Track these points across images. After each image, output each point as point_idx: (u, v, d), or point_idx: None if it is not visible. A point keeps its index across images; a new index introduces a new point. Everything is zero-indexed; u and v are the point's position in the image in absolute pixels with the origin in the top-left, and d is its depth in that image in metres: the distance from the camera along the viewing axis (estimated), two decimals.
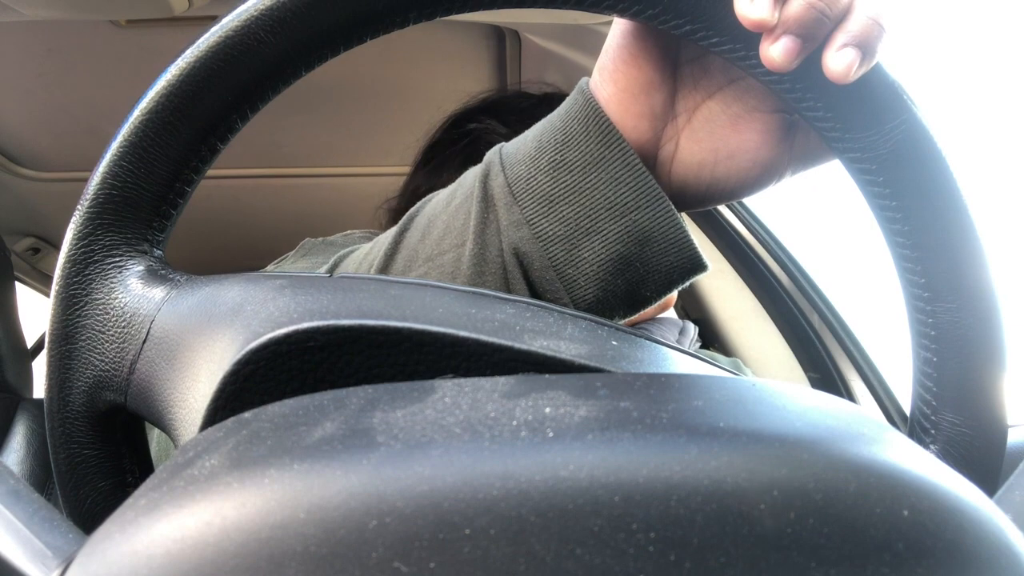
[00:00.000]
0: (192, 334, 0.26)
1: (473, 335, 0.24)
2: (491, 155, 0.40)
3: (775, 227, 1.20)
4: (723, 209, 1.23)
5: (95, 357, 0.28)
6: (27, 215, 1.42)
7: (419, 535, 0.14)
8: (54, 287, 0.29)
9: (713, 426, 0.17)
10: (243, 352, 0.23)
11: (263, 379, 0.24)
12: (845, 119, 0.28)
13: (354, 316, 0.24)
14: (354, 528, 0.14)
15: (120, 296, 0.28)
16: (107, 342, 0.28)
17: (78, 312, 0.29)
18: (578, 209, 0.36)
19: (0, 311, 1.09)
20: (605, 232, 0.36)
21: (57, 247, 1.62)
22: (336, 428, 0.17)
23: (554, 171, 0.36)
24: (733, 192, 0.37)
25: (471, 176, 0.40)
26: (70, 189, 1.30)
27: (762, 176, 0.37)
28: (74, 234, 0.29)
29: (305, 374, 0.24)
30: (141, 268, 0.29)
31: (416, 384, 0.20)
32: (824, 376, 1.08)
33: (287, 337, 0.23)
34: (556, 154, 0.36)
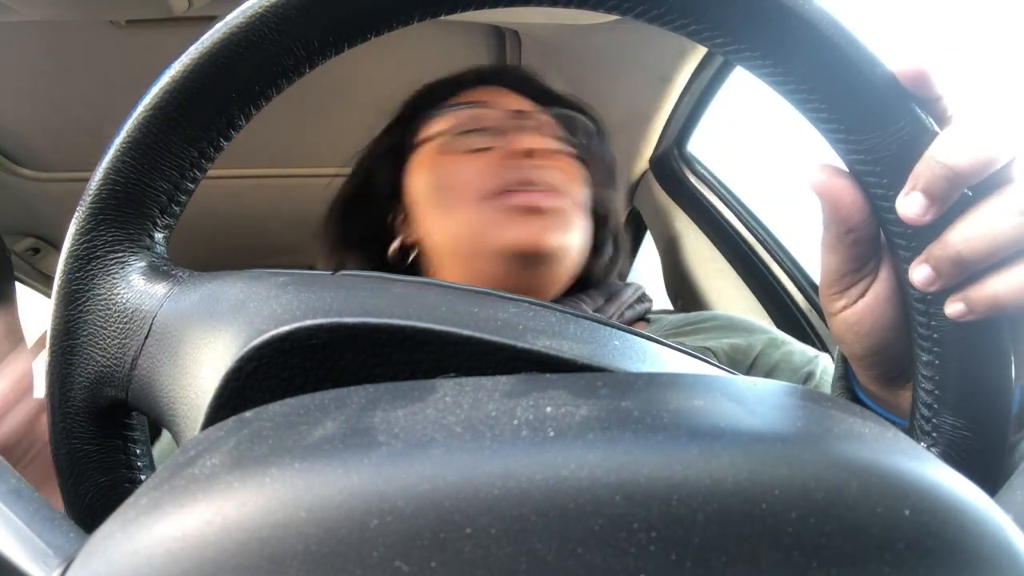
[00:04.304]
0: (194, 330, 0.26)
1: (476, 334, 0.24)
2: None
3: (775, 225, 1.20)
4: (723, 209, 1.23)
5: (97, 353, 0.28)
6: (27, 215, 1.42)
7: (420, 534, 0.14)
8: (56, 283, 0.29)
9: (714, 426, 0.17)
10: (246, 349, 0.23)
11: (265, 376, 0.24)
12: (849, 121, 0.28)
13: (357, 314, 0.24)
14: (355, 527, 0.14)
15: (122, 292, 0.28)
16: (109, 338, 0.28)
17: (80, 308, 0.29)
18: None
19: (0, 311, 1.09)
20: None
21: (57, 247, 1.62)
22: (337, 427, 0.17)
23: None
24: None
25: None
26: (70, 189, 1.30)
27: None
28: (76, 230, 0.29)
29: (307, 372, 0.24)
30: (143, 264, 0.29)
31: (417, 383, 0.20)
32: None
33: (290, 334, 0.23)
34: None
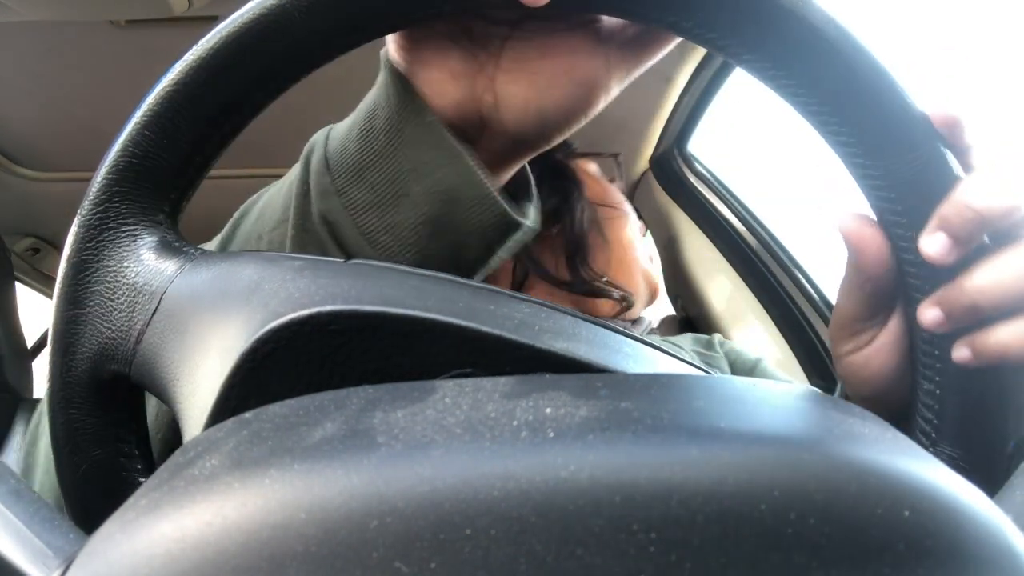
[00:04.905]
0: (205, 309, 0.26)
1: (494, 331, 0.24)
2: (318, 135, 0.40)
3: (776, 227, 1.20)
4: (723, 209, 1.23)
5: (102, 324, 0.28)
6: (27, 215, 1.42)
7: (420, 535, 0.14)
8: (66, 251, 0.29)
9: (714, 426, 0.17)
10: (263, 330, 0.23)
11: (281, 359, 0.23)
12: (868, 144, 0.28)
13: (376, 303, 0.24)
14: (355, 528, 0.14)
15: (132, 265, 0.28)
16: (116, 310, 0.28)
17: (88, 278, 0.28)
18: (384, 174, 0.36)
19: (0, 311, 1.09)
20: (412, 194, 0.36)
21: (57, 247, 1.62)
22: (337, 428, 0.17)
23: (363, 139, 0.37)
24: (568, 119, 0.37)
25: (301, 156, 0.41)
26: (70, 189, 1.30)
27: (587, 94, 0.36)
28: (91, 200, 0.28)
29: (324, 357, 0.24)
30: (155, 239, 0.29)
31: (417, 384, 0.20)
32: (828, 380, 1.08)
33: (309, 319, 0.23)
34: (366, 123, 0.37)
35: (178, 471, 0.17)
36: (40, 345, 1.56)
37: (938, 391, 0.30)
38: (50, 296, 0.31)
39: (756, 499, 0.15)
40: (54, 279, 0.30)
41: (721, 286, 1.21)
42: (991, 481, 0.30)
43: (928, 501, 0.16)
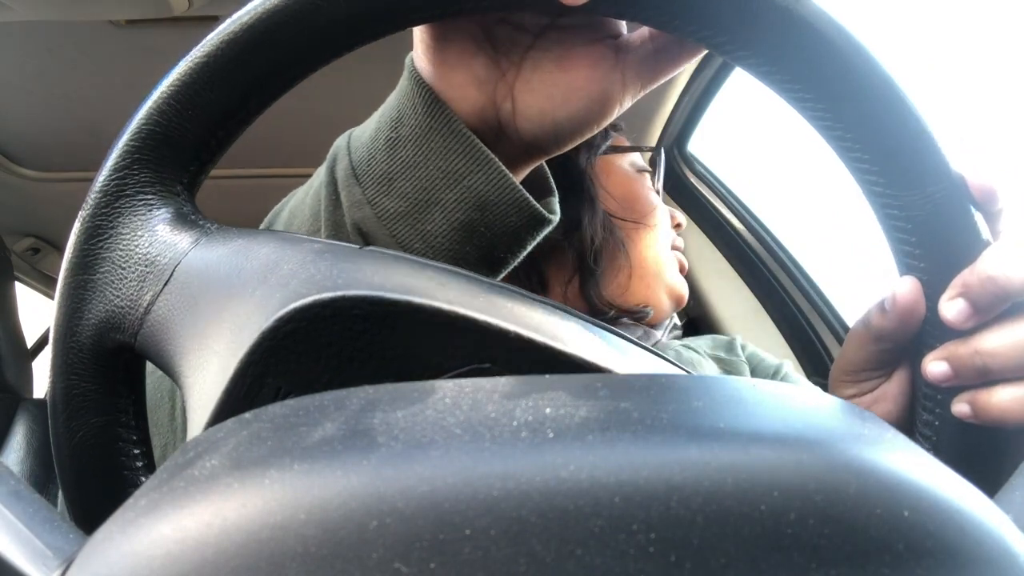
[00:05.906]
0: (219, 284, 0.26)
1: (516, 329, 0.23)
2: (340, 141, 0.41)
3: (779, 230, 1.19)
4: (723, 209, 1.23)
5: (111, 292, 0.28)
6: (27, 215, 1.42)
7: (420, 536, 0.14)
8: (80, 215, 0.29)
9: (713, 427, 0.17)
10: (286, 310, 0.23)
11: (302, 340, 0.23)
12: (890, 175, 0.28)
13: (399, 291, 0.23)
14: (354, 529, 0.14)
15: (146, 235, 0.28)
16: (126, 279, 0.28)
17: (101, 244, 0.28)
18: (415, 183, 0.37)
19: (0, 311, 1.09)
20: (443, 202, 0.37)
21: (57, 247, 1.62)
22: (336, 429, 0.17)
23: (390, 148, 0.37)
24: (581, 129, 0.38)
25: (323, 165, 0.41)
26: (70, 189, 1.30)
27: (602, 108, 0.37)
28: (111, 165, 0.28)
29: (344, 341, 0.23)
30: (171, 210, 0.29)
31: (416, 384, 0.20)
32: (827, 379, 1.08)
33: (333, 301, 0.23)
34: (392, 132, 0.37)
35: (178, 471, 0.17)
36: (40, 345, 1.56)
37: (937, 422, 0.31)
38: (50, 296, 0.31)
39: (756, 499, 0.15)
40: (54, 279, 0.30)
41: (721, 286, 1.22)
42: (991, 481, 0.30)
43: (928, 501, 0.16)
